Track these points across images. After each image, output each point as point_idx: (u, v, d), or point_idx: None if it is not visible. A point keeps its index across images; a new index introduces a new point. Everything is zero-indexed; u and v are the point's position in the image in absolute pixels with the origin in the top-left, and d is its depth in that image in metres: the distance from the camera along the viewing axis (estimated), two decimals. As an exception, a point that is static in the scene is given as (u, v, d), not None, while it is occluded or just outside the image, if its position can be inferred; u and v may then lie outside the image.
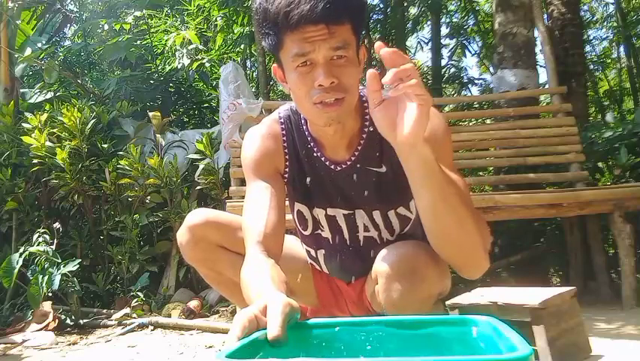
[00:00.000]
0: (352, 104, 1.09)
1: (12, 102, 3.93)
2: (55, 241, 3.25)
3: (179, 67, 4.45)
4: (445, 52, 6.58)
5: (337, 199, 1.24)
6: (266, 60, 4.30)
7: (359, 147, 1.18)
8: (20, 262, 3.00)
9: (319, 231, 1.29)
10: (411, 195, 1.26)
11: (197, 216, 1.29)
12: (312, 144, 1.21)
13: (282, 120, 1.25)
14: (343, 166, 1.19)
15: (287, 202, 1.27)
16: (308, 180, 1.24)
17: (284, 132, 1.23)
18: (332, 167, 1.20)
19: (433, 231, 1.00)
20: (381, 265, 1.08)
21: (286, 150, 1.23)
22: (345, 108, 1.06)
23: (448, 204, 0.95)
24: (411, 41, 7.24)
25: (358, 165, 1.19)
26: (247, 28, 4.93)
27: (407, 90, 0.83)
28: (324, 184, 1.23)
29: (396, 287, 1.04)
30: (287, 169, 1.23)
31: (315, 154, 1.21)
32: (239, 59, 5.27)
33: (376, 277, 1.10)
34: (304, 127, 1.22)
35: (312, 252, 1.35)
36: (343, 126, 1.15)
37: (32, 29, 5.43)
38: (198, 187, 3.50)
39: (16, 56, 4.56)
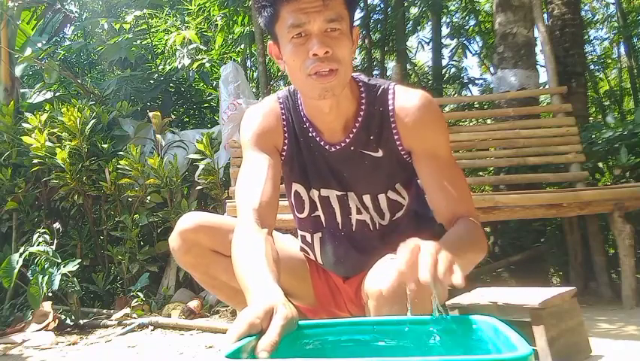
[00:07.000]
0: (346, 77, 1.10)
1: (12, 102, 3.93)
2: (55, 241, 3.25)
3: (179, 67, 4.45)
4: (445, 52, 6.57)
5: (331, 180, 1.25)
6: (266, 60, 4.30)
7: (354, 130, 1.19)
8: (20, 262, 3.00)
9: (317, 212, 1.29)
10: (399, 177, 1.26)
11: (187, 220, 1.27)
12: (307, 124, 1.23)
13: (280, 100, 1.27)
14: (337, 147, 1.21)
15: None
16: (304, 159, 1.25)
17: (283, 111, 1.25)
18: (326, 147, 1.22)
19: None
20: (371, 284, 1.02)
21: (285, 129, 1.24)
22: (339, 80, 1.08)
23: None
24: (411, 41, 7.23)
25: (352, 148, 1.21)
26: (247, 28, 4.92)
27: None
28: (318, 164, 1.24)
29: (387, 311, 0.98)
30: (285, 147, 1.25)
31: (310, 134, 1.23)
32: (239, 59, 5.26)
33: (367, 294, 1.05)
34: (300, 107, 1.24)
35: (308, 237, 1.34)
36: (338, 104, 1.16)
37: (32, 29, 5.42)
38: (198, 187, 3.50)
39: (16, 56, 4.56)
